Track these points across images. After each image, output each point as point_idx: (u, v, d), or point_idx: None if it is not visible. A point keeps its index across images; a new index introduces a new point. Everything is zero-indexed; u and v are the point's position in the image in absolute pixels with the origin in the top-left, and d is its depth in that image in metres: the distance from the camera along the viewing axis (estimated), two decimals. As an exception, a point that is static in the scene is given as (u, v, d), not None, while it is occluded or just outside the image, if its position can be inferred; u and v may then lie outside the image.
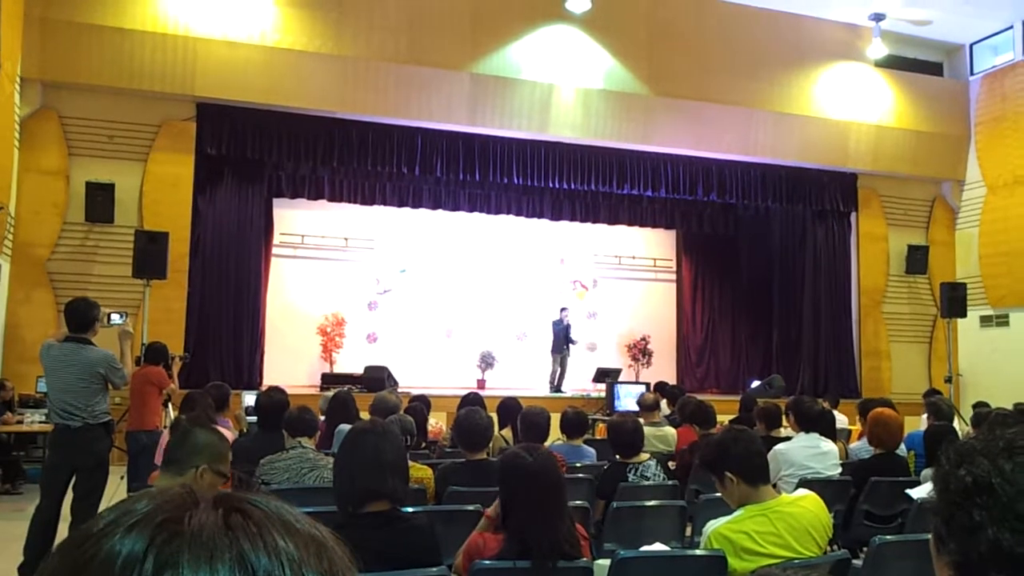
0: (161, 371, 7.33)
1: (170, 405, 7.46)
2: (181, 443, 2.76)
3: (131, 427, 7.07)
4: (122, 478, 6.67)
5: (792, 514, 2.79)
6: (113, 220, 10.48)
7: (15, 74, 9.87)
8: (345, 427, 4.80)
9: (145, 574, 0.52)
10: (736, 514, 2.80)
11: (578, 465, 5.13)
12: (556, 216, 14.70)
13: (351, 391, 6.58)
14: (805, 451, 5.02)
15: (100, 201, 10.39)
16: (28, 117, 10.31)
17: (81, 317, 5.33)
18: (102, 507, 4.96)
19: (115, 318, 6.51)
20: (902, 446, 5.51)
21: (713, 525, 2.79)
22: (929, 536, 1.16)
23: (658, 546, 3.22)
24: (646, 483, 4.51)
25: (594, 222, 14.99)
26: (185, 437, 2.78)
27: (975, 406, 7.60)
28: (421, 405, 6.57)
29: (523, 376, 14.11)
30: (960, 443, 1.14)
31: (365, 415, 5.50)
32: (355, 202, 13.72)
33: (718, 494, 4.26)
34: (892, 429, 5.06)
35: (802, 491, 3.02)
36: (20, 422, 8.41)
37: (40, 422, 8.12)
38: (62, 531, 5.16)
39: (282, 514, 0.59)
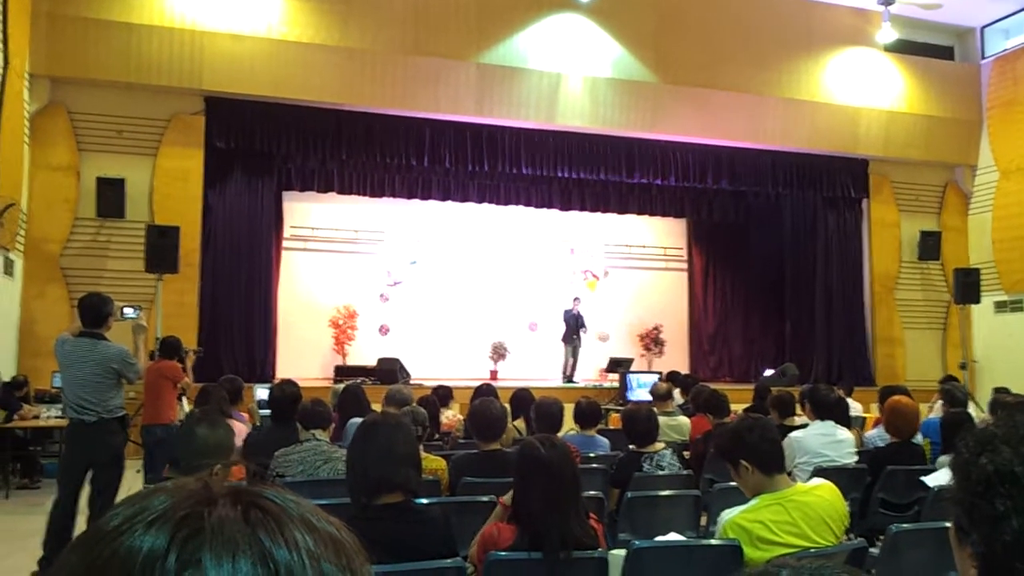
0: (175, 365, 7.36)
1: (185, 399, 7.50)
2: (187, 444, 2.75)
3: (146, 421, 7.10)
4: (138, 472, 6.71)
5: (808, 503, 2.78)
6: (124, 215, 10.53)
7: (23, 70, 9.90)
8: (358, 421, 4.80)
9: (167, 571, 0.51)
10: (751, 503, 2.79)
11: (592, 455, 5.12)
12: (565, 206, 14.66)
13: (363, 383, 6.58)
14: (821, 439, 5.00)
15: (111, 196, 10.44)
16: (37, 113, 10.35)
17: (95, 312, 5.36)
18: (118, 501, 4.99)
19: (129, 312, 6.54)
20: (918, 434, 5.48)
21: (728, 514, 2.78)
22: (947, 524, 1.13)
23: (673, 536, 3.21)
24: (661, 473, 4.50)
25: (604, 211, 14.95)
26: (191, 438, 2.76)
27: (995, 391, 7.51)
28: (434, 397, 6.57)
29: (536, 367, 14.12)
30: (979, 430, 1.11)
31: (377, 407, 5.50)
32: (364, 194, 13.72)
33: (733, 483, 4.24)
34: (909, 418, 5.03)
35: (818, 480, 3.00)
36: (36, 417, 8.46)
37: (56, 417, 8.16)
38: (80, 525, 5.20)
39: (299, 509, 0.58)
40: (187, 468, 2.65)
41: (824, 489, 2.89)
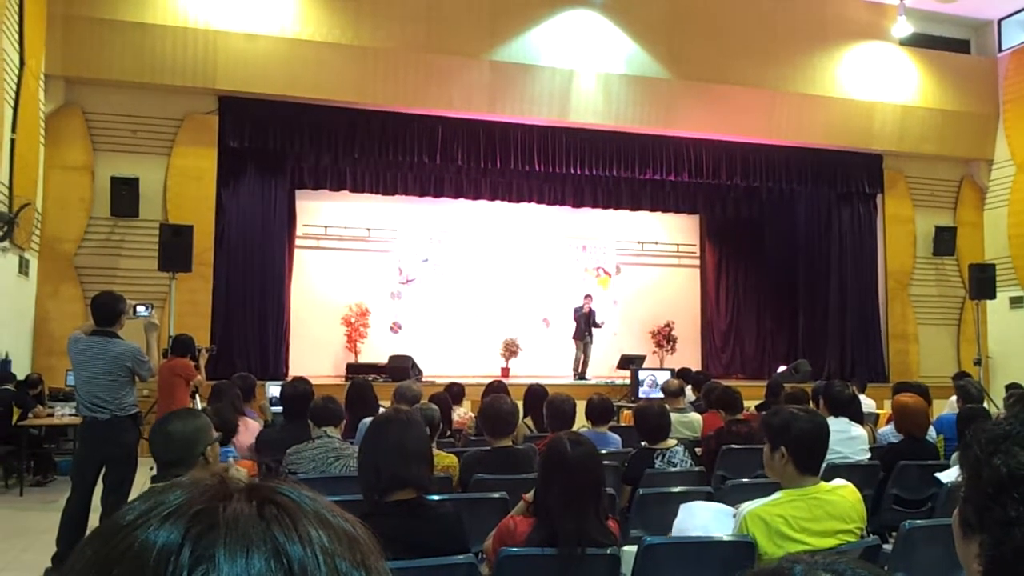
0: (188, 363, 7.39)
1: (198, 397, 7.53)
2: (167, 444, 2.75)
3: (160, 419, 7.13)
4: (151, 469, 6.73)
5: (831, 502, 2.76)
6: (138, 214, 10.57)
7: (39, 71, 9.97)
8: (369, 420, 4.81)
9: (181, 565, 0.52)
10: (774, 497, 2.76)
11: (603, 452, 5.11)
12: (578, 203, 14.63)
13: (374, 380, 6.59)
14: (835, 435, 4.94)
15: (125, 195, 10.49)
16: (52, 113, 10.41)
17: (107, 311, 5.39)
18: (131, 498, 5.02)
19: (141, 310, 6.57)
20: (931, 431, 5.43)
21: (750, 506, 2.75)
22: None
23: (702, 503, 3.18)
24: (673, 469, 4.49)
25: (616, 208, 14.91)
26: (169, 438, 2.76)
27: (1008, 387, 7.46)
28: (446, 394, 6.57)
29: (548, 364, 14.10)
30: (991, 428, 1.09)
31: (387, 403, 5.51)
32: (377, 192, 13.74)
33: (745, 479, 4.24)
34: (916, 417, 4.98)
35: (840, 481, 2.98)
36: (50, 415, 8.52)
37: (70, 415, 8.21)
38: (93, 522, 5.23)
39: (314, 505, 0.58)
40: (187, 468, 2.66)
41: (847, 491, 2.87)
